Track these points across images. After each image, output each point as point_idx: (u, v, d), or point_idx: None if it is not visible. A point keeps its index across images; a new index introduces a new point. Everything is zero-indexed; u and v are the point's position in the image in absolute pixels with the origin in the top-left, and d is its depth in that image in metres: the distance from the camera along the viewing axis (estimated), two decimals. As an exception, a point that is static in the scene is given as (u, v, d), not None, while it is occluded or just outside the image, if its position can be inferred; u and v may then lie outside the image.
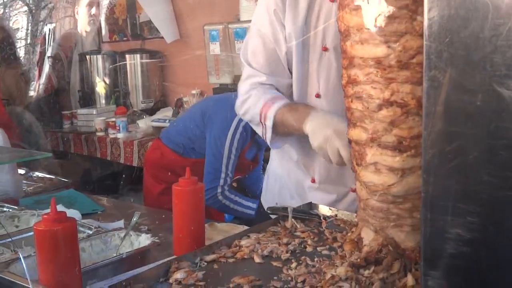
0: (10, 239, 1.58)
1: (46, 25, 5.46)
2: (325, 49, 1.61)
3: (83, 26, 4.86)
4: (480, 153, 0.77)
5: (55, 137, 4.57)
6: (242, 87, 1.73)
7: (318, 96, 1.66)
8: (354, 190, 1.66)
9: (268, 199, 1.98)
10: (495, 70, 0.74)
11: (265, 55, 1.68)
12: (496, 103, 0.74)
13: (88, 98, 4.72)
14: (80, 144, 4.36)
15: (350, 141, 1.21)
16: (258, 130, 1.71)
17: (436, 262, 0.83)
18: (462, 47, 0.77)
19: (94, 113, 4.42)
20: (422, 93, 1.03)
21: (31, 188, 2.73)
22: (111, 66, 4.52)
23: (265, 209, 1.94)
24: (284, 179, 1.90)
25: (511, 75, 0.73)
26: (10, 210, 2.10)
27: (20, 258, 1.41)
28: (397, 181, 1.09)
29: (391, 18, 1.03)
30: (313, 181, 1.78)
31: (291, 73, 1.69)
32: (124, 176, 4.14)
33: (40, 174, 3.04)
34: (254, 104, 1.67)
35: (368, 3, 1.05)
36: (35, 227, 1.28)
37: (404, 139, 1.07)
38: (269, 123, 1.61)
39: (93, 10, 4.75)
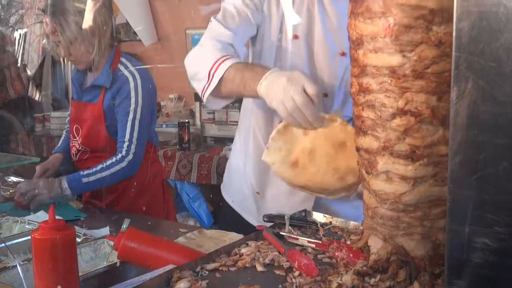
0: (3, 244, 1.53)
1: (17, 30, 5.31)
2: (295, 36, 1.66)
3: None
4: (511, 163, 0.77)
5: (26, 140, 4.45)
6: (202, 38, 1.70)
7: None
8: None
9: (229, 192, 2.04)
10: (527, 82, 0.75)
11: (236, 16, 1.68)
12: (527, 114, 0.75)
13: (61, 101, 4.62)
14: (53, 148, 4.25)
15: (358, 149, 1.20)
16: (199, 85, 1.64)
17: (462, 272, 0.83)
18: (492, 58, 0.77)
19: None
20: (437, 103, 1.05)
21: (7, 193, 2.64)
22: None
23: (226, 200, 2.03)
24: (244, 172, 1.93)
25: (542, 87, 0.74)
26: (-9, 216, 2.04)
27: (15, 267, 1.35)
28: (408, 189, 1.10)
29: (407, 27, 1.03)
30: None
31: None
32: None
33: (15, 179, 2.95)
34: (208, 53, 1.61)
35: (384, 12, 1.05)
36: (33, 235, 1.24)
37: (417, 148, 1.07)
38: (218, 74, 1.55)
39: None
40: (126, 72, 2.41)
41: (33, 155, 4.18)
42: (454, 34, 0.81)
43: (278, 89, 1.38)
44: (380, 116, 1.10)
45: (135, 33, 4.57)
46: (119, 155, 2.36)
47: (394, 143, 1.09)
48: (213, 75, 1.56)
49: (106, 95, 2.42)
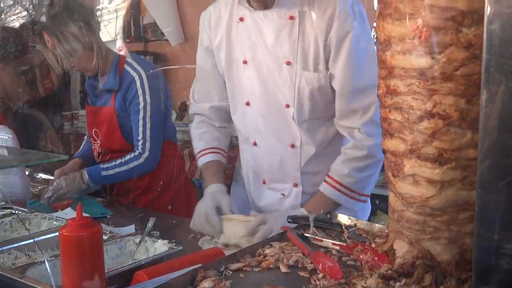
0: (32, 240, 1.56)
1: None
2: (245, 62, 1.89)
3: None
4: (541, 168, 0.76)
5: (55, 138, 4.52)
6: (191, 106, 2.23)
7: (248, 104, 1.94)
8: (295, 185, 1.97)
9: (237, 199, 2.21)
10: (560, 85, 0.73)
11: (201, 84, 2.11)
12: (559, 119, 0.74)
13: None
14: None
15: (384, 152, 1.19)
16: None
17: (489, 277, 0.82)
18: (524, 61, 0.76)
19: (96, 114, 4.37)
20: (466, 106, 1.04)
21: (36, 190, 2.69)
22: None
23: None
24: (246, 182, 2.14)
25: None
26: (20, 213, 2.08)
27: (43, 262, 1.38)
28: (435, 193, 1.08)
29: (436, 29, 1.02)
30: (264, 182, 2.04)
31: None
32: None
33: (44, 176, 3.01)
34: (194, 141, 2.20)
35: (412, 14, 1.04)
36: (60, 232, 1.26)
37: (445, 152, 1.06)
38: (198, 165, 2.14)
39: None
40: (132, 72, 2.43)
41: (61, 152, 4.24)
42: (485, 36, 0.79)
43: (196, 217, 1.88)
44: (408, 119, 1.09)
45: (162, 32, 4.61)
46: (136, 152, 2.44)
47: (421, 146, 1.08)
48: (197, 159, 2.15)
49: (116, 97, 2.46)
